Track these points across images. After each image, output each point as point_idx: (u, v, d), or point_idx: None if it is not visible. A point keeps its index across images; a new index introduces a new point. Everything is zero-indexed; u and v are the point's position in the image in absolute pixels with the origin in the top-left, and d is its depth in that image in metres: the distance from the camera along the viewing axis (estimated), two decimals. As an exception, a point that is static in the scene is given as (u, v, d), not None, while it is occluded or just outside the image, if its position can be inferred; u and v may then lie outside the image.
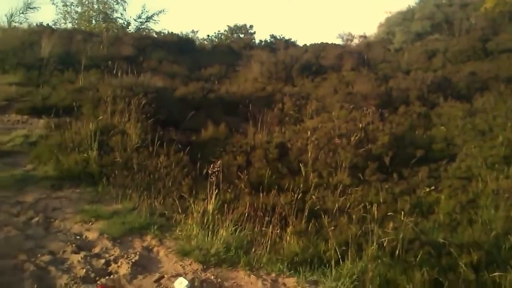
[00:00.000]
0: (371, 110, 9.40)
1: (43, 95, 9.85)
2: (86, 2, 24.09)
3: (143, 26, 24.82)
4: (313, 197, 6.00)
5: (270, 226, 5.16)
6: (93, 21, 24.03)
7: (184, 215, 5.53)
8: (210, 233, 5.07)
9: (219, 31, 26.50)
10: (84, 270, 4.49)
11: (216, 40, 24.59)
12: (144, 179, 6.38)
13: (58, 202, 6.15)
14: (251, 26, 26.61)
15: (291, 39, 23.33)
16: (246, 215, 5.37)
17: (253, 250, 4.91)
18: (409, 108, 10.47)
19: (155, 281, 4.39)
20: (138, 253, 4.88)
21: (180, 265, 4.69)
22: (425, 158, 7.79)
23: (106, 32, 18.90)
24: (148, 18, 24.75)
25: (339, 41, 26.94)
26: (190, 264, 4.70)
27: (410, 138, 8.64)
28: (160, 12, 24.62)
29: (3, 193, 6.26)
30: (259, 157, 7.34)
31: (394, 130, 8.73)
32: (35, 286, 4.09)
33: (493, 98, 10.48)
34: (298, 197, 5.81)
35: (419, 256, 4.64)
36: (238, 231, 5.14)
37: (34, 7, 17.61)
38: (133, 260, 4.71)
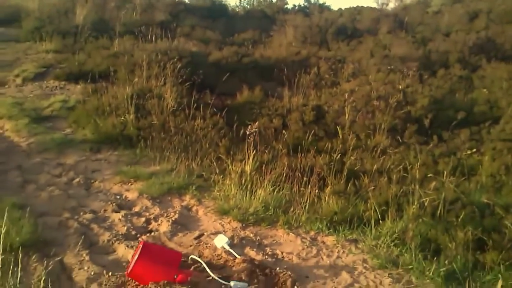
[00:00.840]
0: (410, 73, 9.13)
1: (79, 61, 9.94)
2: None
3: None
4: (352, 158, 5.90)
5: (309, 186, 5.12)
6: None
7: (221, 176, 5.55)
8: (248, 193, 5.07)
9: (251, -4, 26.08)
10: (125, 228, 4.58)
11: (248, 6, 24.19)
12: (181, 141, 6.41)
13: (98, 164, 6.26)
14: (283, -9, 26.08)
15: (325, 3, 22.68)
16: (284, 175, 5.34)
17: (292, 209, 4.89)
18: (448, 71, 10.11)
19: (195, 238, 4.43)
20: (177, 212, 4.93)
21: (219, 224, 4.73)
22: (466, 120, 7.55)
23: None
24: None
25: (374, 5, 26.14)
26: (229, 223, 4.73)
27: (450, 101, 8.37)
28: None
29: (45, 155, 6.42)
30: (295, 120, 7.25)
31: (433, 93, 8.47)
32: (80, 241, 4.19)
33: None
34: (337, 158, 5.74)
35: (461, 217, 4.53)
36: (276, 191, 5.13)
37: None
38: (172, 219, 4.77)
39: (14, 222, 4.17)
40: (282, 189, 5.17)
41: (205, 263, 3.75)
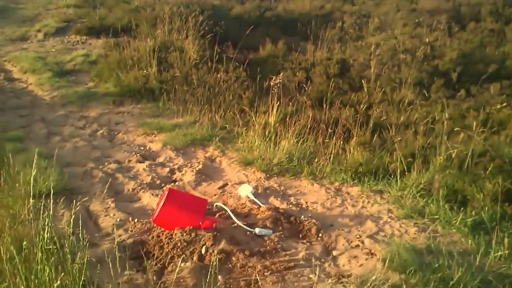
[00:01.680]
0: (439, 26, 8.83)
1: (100, 16, 9.87)
2: None
3: None
4: (377, 110, 5.79)
5: (333, 138, 5.05)
6: None
7: (245, 128, 5.51)
8: (272, 144, 5.03)
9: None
10: (150, 177, 4.60)
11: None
12: (204, 94, 6.35)
13: (121, 117, 6.28)
14: None
15: (349, -43, 22.02)
16: (308, 127, 5.27)
17: (316, 160, 4.84)
18: (479, 25, 9.74)
19: (219, 188, 4.44)
20: (201, 162, 4.93)
21: (243, 174, 4.72)
22: (496, 75, 7.29)
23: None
24: None
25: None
26: (253, 173, 4.72)
27: (480, 54, 8.07)
28: None
29: (69, 108, 6.48)
30: (319, 73, 7.10)
31: (462, 46, 8.18)
32: (105, 189, 4.23)
33: None
34: (362, 111, 5.64)
35: (489, 169, 4.43)
36: (300, 142, 5.07)
37: None
38: (196, 169, 4.77)
39: (41, 171, 4.23)
40: (307, 141, 5.11)
41: (230, 211, 3.76)
